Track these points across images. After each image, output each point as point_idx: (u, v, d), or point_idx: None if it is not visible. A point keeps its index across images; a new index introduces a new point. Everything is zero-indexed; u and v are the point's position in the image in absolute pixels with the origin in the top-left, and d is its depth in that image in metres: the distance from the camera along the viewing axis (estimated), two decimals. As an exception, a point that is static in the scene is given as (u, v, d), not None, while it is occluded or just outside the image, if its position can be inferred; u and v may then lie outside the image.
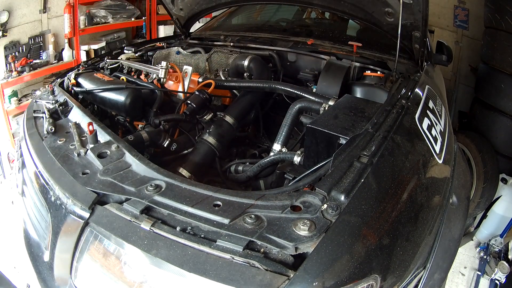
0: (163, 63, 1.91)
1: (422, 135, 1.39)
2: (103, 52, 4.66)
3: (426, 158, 1.34)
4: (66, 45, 4.51)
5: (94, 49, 4.62)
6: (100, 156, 1.31)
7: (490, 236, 3.46)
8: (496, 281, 3.04)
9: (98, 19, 4.64)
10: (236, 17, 3.51)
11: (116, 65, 2.30)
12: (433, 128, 1.49)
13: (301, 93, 1.71)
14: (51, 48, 4.53)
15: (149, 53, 2.62)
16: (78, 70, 2.35)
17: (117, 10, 4.76)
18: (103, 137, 1.43)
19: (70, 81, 2.14)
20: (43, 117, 1.71)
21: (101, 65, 2.54)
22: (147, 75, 2.06)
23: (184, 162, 1.63)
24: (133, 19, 4.98)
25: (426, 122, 1.46)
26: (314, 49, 2.23)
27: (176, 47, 2.65)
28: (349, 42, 2.14)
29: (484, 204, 3.48)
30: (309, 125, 1.35)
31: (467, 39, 4.43)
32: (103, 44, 4.71)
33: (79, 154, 1.35)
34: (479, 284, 3.14)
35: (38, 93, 3.83)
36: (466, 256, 3.40)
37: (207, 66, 2.47)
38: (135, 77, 2.10)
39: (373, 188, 1.08)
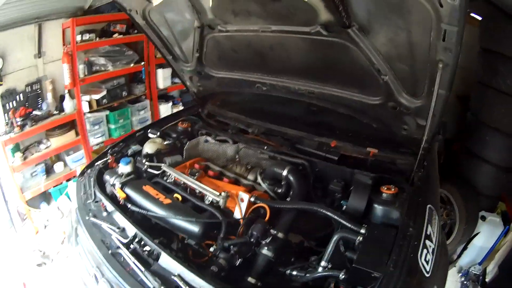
0: (223, 193, 2.13)
1: (420, 268, 1.75)
2: (104, 101, 4.75)
3: (418, 279, 1.72)
4: (67, 96, 4.52)
5: (95, 99, 4.68)
6: None
7: (471, 263, 3.89)
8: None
9: (97, 67, 4.68)
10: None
11: (159, 172, 2.44)
12: (428, 254, 1.84)
13: (339, 219, 1.99)
14: (50, 96, 4.52)
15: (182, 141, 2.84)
16: (106, 162, 2.59)
17: (116, 57, 4.82)
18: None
19: (114, 188, 2.31)
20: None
21: (129, 152, 2.71)
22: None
23: (248, 272, 1.90)
24: (132, 64, 5.03)
25: (424, 253, 1.81)
26: (341, 158, 2.51)
27: (204, 136, 2.86)
28: (367, 149, 2.48)
29: (464, 240, 3.91)
30: (355, 265, 1.72)
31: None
32: (104, 92, 4.75)
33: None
34: (461, 306, 3.60)
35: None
36: (449, 281, 3.84)
37: (238, 158, 2.71)
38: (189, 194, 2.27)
39: None
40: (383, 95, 2.23)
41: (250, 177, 2.55)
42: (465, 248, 3.97)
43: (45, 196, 4.67)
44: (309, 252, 2.12)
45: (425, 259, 1.80)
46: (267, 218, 2.07)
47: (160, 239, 2.00)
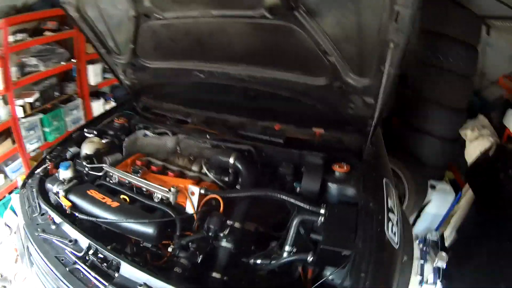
0: (173, 189, 2.00)
1: (388, 240, 1.81)
2: (37, 103, 4.46)
3: (389, 252, 1.80)
4: (1, 102, 4.12)
5: (29, 103, 4.35)
6: None
7: (426, 230, 4.12)
8: (438, 268, 3.68)
9: (30, 69, 4.33)
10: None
11: (101, 173, 2.28)
12: (394, 227, 1.90)
13: (296, 202, 1.97)
14: (-15, 105, 4.11)
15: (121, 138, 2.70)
16: (46, 168, 2.40)
17: (47, 56, 4.48)
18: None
19: (58, 196, 2.14)
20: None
21: (68, 155, 2.55)
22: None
23: (211, 268, 1.85)
24: (63, 62, 4.72)
25: (390, 226, 1.87)
26: (287, 141, 2.48)
27: (141, 131, 2.73)
28: (313, 128, 2.47)
29: (416, 210, 4.13)
30: (323, 246, 1.72)
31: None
32: (37, 95, 4.44)
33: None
34: (424, 271, 3.79)
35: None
36: (409, 249, 4.00)
37: (179, 150, 2.62)
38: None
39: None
40: (329, 76, 2.18)
41: (195, 168, 2.45)
42: (418, 217, 4.16)
43: (-9, 214, 4.30)
44: (266, 238, 2.08)
45: (392, 232, 1.85)
46: (221, 209, 2.01)
47: (113, 245, 1.89)
